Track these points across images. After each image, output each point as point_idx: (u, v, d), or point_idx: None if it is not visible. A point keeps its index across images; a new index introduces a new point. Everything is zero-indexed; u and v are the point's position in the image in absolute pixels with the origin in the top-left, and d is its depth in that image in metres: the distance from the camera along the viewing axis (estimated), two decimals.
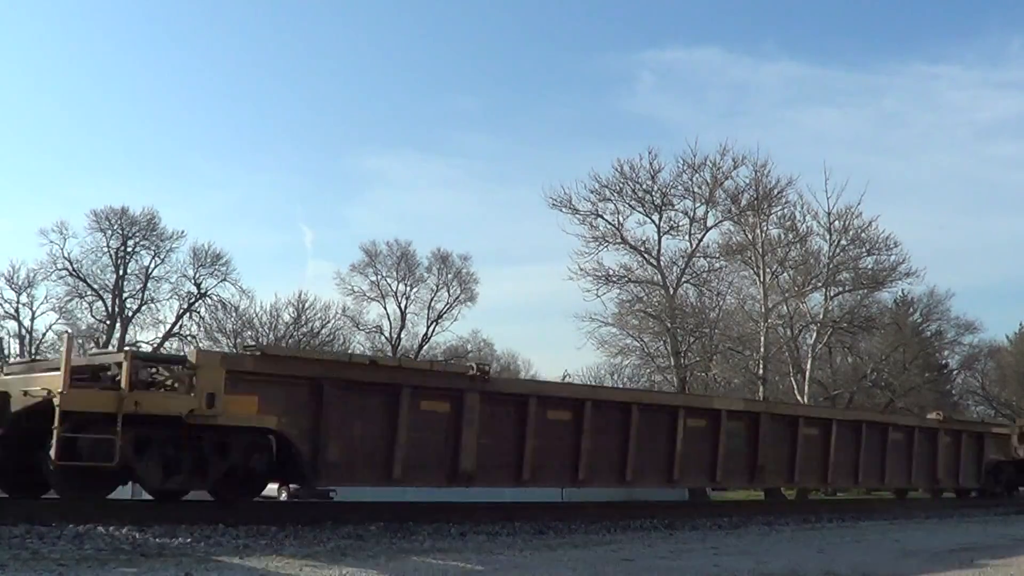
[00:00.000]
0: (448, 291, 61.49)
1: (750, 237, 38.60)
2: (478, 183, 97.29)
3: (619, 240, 38.95)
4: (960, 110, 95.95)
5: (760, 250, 37.83)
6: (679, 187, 39.29)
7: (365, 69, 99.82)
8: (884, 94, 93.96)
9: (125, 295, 57.01)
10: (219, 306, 57.34)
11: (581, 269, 38.51)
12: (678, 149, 78.30)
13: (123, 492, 11.85)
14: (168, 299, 57.83)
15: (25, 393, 10.07)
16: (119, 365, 10.27)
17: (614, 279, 39.03)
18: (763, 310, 37.78)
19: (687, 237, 39.85)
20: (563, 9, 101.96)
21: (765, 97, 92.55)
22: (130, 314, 56.96)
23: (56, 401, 9.65)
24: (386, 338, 60.98)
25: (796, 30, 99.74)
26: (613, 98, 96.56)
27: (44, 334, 57.44)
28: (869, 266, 40.47)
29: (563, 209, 38.85)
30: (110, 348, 55.17)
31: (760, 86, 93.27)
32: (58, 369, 9.87)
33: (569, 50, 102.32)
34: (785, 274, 39.91)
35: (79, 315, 57.47)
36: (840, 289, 41.09)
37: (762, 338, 37.58)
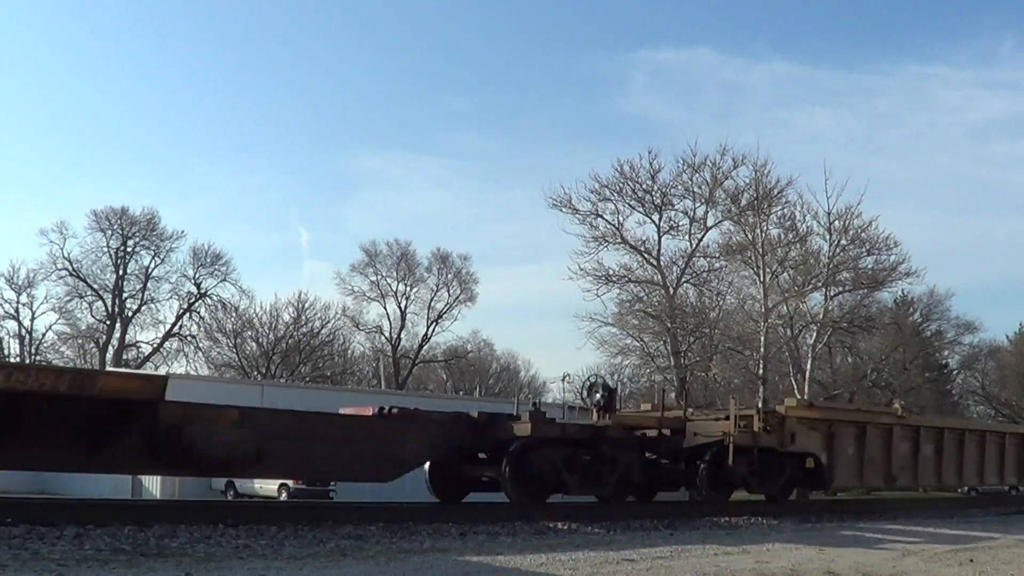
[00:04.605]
0: (448, 291, 61.61)
1: (750, 237, 38.50)
2: (472, 183, 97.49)
3: (619, 240, 38.92)
4: (953, 110, 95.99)
5: (760, 250, 37.74)
6: (679, 187, 39.30)
7: (358, 70, 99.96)
8: (877, 94, 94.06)
9: (125, 295, 57.05)
10: (219, 306, 57.36)
11: (581, 269, 38.48)
12: (672, 149, 78.52)
13: (123, 492, 11.84)
14: (168, 299, 57.91)
15: (695, 434, 17.00)
16: (752, 417, 17.25)
17: (614, 279, 38.99)
18: (763, 310, 37.68)
19: (687, 237, 39.85)
20: (554, 10, 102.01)
21: (757, 97, 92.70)
22: (130, 314, 57.00)
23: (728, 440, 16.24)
24: (386, 338, 60.97)
25: (787, 30, 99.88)
26: (605, 98, 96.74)
27: (44, 334, 57.50)
28: (869, 266, 40.36)
29: (563, 209, 38.83)
30: (120, 347, 54.91)
31: (752, 86, 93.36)
32: (728, 419, 16.82)
33: (561, 50, 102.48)
34: (785, 274, 39.80)
35: (79, 315, 57.55)
36: (840, 289, 40.99)
37: (762, 338, 37.50)
